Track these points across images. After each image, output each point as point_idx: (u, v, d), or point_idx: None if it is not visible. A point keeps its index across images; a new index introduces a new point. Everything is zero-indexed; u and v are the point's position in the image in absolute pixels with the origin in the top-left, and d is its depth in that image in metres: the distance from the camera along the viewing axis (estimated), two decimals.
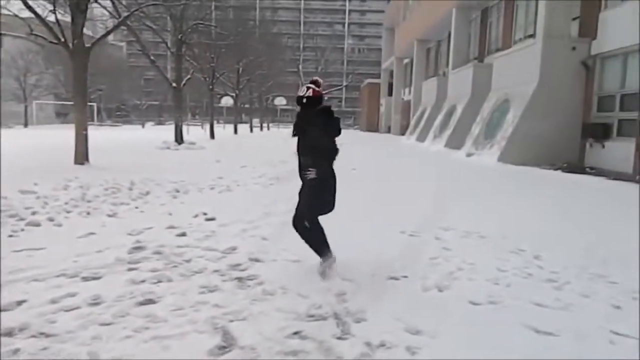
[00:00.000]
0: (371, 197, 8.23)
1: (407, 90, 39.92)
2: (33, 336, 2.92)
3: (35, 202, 6.52)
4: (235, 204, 7.42)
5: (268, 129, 46.91)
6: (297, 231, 4.23)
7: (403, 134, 34.80)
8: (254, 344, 2.90)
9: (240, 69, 31.97)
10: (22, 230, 5.37)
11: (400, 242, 5.35)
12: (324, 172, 4.03)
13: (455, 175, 12.26)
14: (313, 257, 4.58)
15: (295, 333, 3.06)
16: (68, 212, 6.30)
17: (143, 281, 3.91)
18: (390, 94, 44.37)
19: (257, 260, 4.52)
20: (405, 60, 40.83)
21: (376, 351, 2.87)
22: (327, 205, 4.17)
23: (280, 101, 49.59)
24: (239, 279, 4.02)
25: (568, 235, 5.88)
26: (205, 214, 6.48)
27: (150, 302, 3.50)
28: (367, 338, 3.00)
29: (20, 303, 3.40)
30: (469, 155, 16.87)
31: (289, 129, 4.71)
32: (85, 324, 3.09)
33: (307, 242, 4.23)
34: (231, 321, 3.20)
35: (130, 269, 4.23)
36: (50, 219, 5.79)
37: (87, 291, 3.63)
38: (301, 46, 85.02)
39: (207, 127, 30.05)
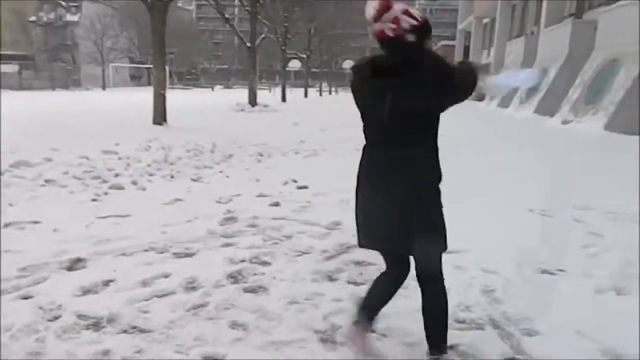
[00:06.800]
0: (475, 171, 7.23)
1: (485, 52, 37.30)
2: (124, 331, 2.37)
3: (117, 164, 6.16)
4: (325, 170, 6.73)
5: (337, 93, 45.85)
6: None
7: (480, 100, 32.60)
8: None
9: (312, 30, 31.02)
10: (106, 193, 4.96)
11: (533, 223, 4.42)
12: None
13: (557, 144, 10.89)
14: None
15: (452, 347, 2.32)
16: (151, 174, 5.88)
17: (242, 261, 3.31)
18: (466, 57, 41.79)
19: None
20: (485, 20, 38.09)
21: None
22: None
23: (349, 64, 48.18)
24: (357, 262, 3.32)
25: None
26: (295, 181, 5.85)
27: (259, 289, 2.88)
28: None
29: (107, 283, 2.89)
30: (565, 122, 15.16)
31: None
32: (183, 318, 2.51)
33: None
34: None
35: (225, 245, 3.65)
36: (134, 182, 5.37)
37: (181, 271, 3.07)
38: None
39: (276, 90, 29.65)
